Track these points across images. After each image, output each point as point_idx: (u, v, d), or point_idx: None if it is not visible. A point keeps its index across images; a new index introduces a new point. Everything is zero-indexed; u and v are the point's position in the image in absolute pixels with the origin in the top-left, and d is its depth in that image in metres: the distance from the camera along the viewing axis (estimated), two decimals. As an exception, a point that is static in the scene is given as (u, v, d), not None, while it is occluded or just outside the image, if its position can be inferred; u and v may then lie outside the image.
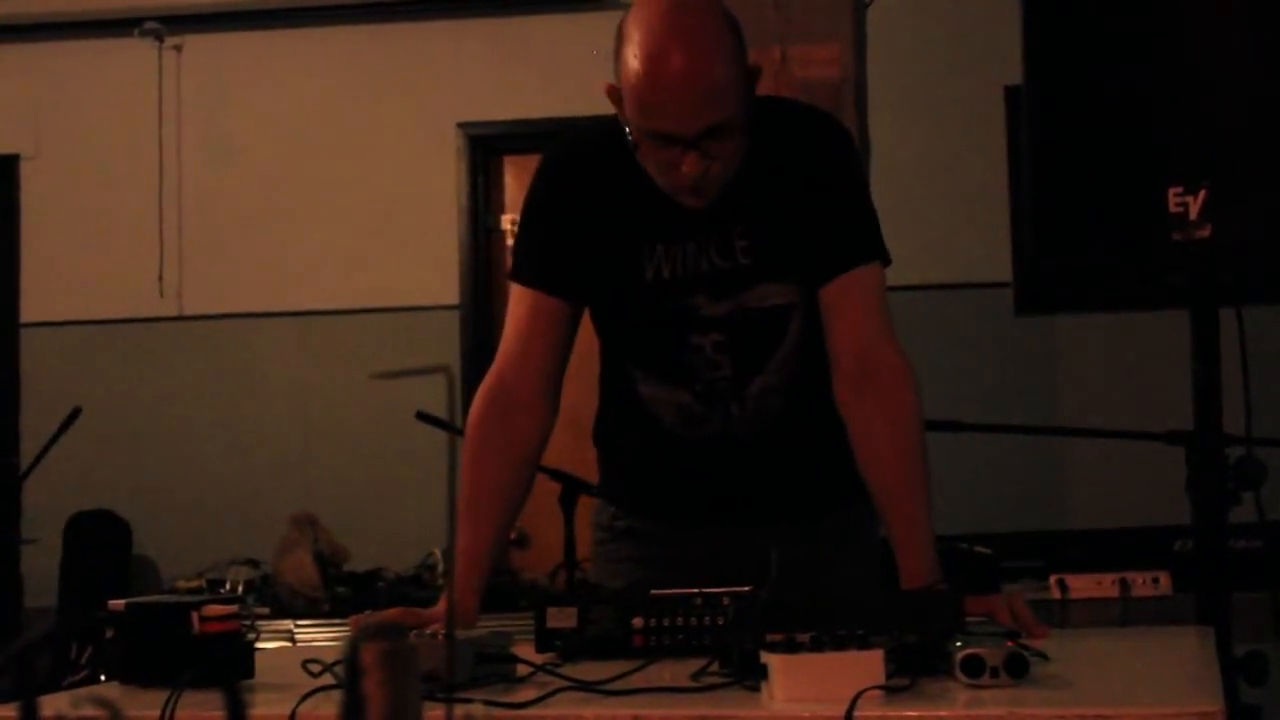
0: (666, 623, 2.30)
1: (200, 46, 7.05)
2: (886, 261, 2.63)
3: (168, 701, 1.87)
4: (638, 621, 2.31)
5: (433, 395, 6.02)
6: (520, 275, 2.69)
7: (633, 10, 2.47)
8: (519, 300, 2.68)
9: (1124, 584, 4.10)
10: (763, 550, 2.28)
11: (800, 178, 2.59)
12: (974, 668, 1.88)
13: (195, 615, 2.07)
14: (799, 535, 2.70)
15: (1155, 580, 4.14)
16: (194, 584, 6.09)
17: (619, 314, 2.70)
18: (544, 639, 2.34)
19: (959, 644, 1.91)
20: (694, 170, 2.46)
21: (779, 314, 2.63)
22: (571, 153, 2.73)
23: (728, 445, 2.69)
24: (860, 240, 2.62)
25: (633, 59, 2.42)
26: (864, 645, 1.86)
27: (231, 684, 0.98)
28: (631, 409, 2.73)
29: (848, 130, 2.72)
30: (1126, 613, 4.02)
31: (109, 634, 2.15)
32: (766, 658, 1.88)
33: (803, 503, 2.76)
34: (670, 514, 2.80)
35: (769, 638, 1.91)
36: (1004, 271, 6.46)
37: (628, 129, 2.51)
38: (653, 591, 2.33)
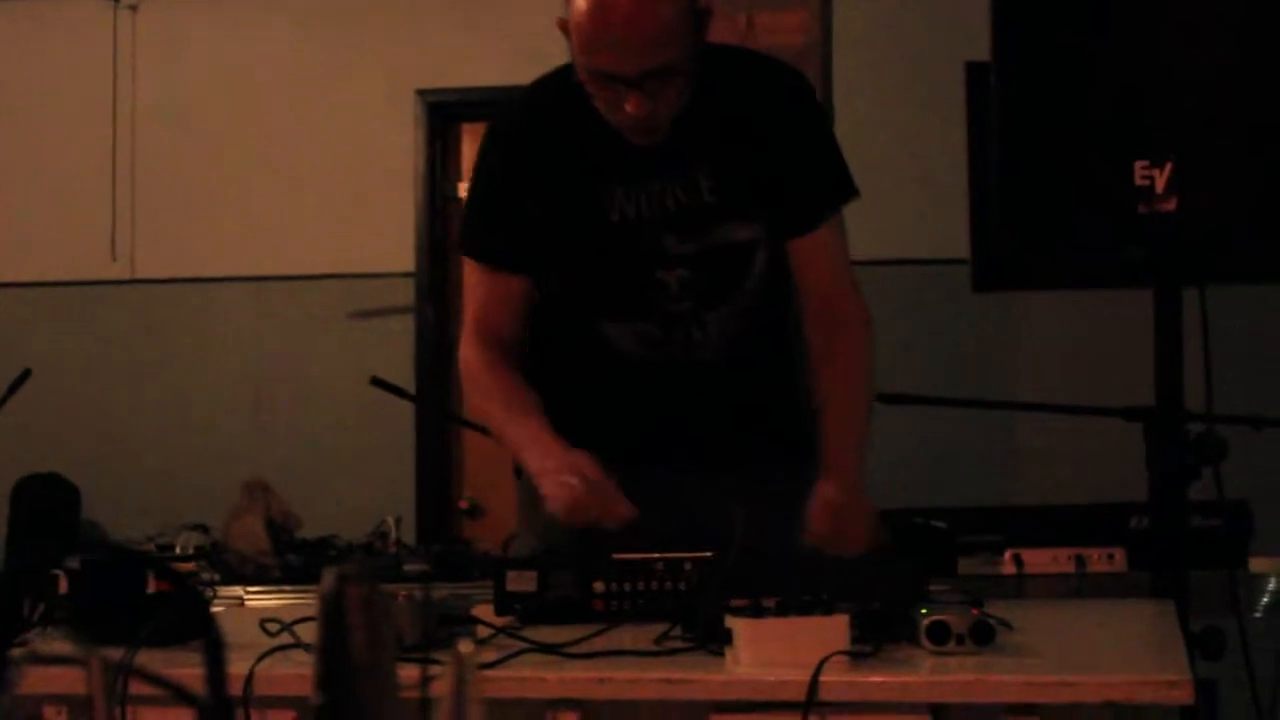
0: (628, 587, 2.29)
1: (156, 7, 6.97)
2: (855, 194, 2.67)
3: (123, 658, 1.83)
4: (598, 586, 2.29)
5: (388, 362, 5.98)
6: (472, 252, 2.70)
7: None
8: (472, 271, 2.70)
9: (1080, 560, 4.09)
10: (727, 513, 2.26)
11: (766, 120, 2.61)
12: (939, 634, 1.87)
13: (151, 573, 2.04)
14: (742, 490, 2.59)
15: (1110, 557, 4.13)
16: (143, 549, 6.03)
17: (583, 258, 2.68)
18: (503, 602, 2.32)
19: (924, 611, 1.90)
20: (637, 111, 2.46)
21: (744, 249, 2.63)
22: (517, 116, 2.72)
23: (684, 372, 2.67)
24: (826, 193, 2.66)
25: None
26: (829, 611, 1.85)
27: (213, 636, 0.95)
28: (585, 340, 2.70)
29: (810, 80, 2.73)
30: (1082, 589, 4.01)
31: (62, 590, 2.11)
32: (731, 622, 1.86)
33: (750, 449, 2.71)
34: (613, 452, 2.56)
35: (733, 602, 1.89)
36: (962, 248, 6.45)
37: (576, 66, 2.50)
38: (614, 555, 2.31)
